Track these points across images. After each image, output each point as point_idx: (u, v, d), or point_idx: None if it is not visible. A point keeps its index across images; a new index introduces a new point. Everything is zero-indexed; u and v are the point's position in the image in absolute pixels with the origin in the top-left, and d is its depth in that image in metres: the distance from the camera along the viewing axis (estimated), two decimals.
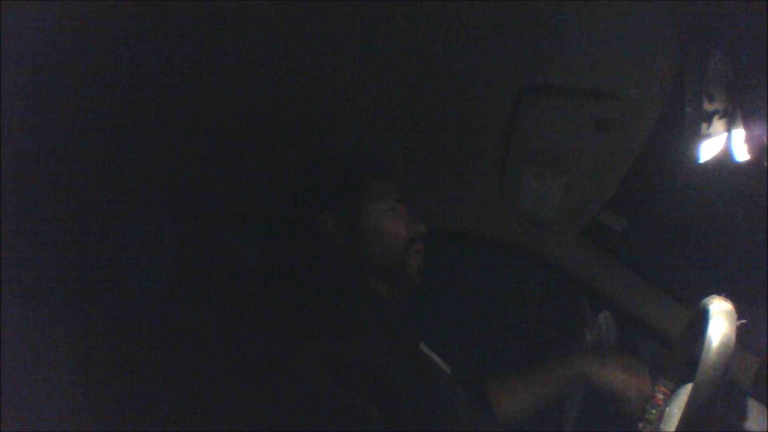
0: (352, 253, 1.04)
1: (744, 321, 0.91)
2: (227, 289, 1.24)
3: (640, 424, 1.05)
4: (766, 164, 0.77)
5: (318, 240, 1.05)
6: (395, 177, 1.14)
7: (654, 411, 1.05)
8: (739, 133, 0.77)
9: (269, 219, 1.19)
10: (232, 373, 0.90)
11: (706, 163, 0.83)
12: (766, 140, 0.75)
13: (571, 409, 1.42)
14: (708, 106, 0.78)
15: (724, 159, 0.81)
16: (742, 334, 0.90)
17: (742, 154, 0.78)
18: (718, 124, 0.79)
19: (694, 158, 0.84)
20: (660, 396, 1.06)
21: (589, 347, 1.75)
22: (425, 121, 1.10)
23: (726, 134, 0.79)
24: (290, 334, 0.87)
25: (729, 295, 0.96)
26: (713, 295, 0.97)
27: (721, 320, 0.89)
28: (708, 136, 0.80)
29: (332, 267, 1.03)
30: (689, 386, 0.88)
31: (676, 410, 0.95)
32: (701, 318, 0.94)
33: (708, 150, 0.82)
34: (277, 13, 0.80)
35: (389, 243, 1.05)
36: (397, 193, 1.11)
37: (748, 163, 0.79)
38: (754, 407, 1.11)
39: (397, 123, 1.12)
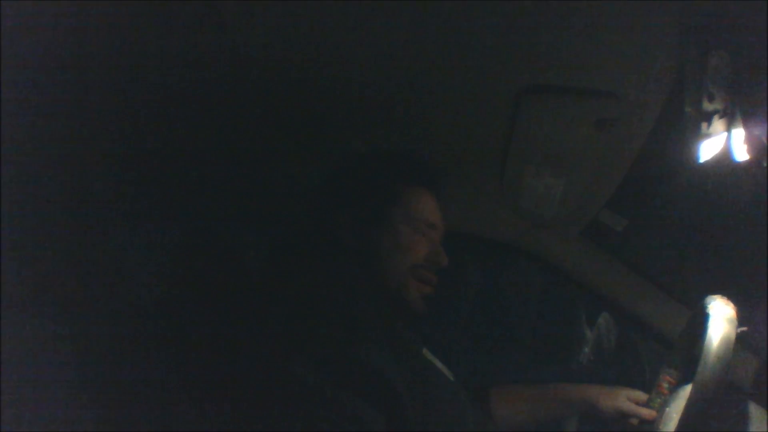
0: (362, 260, 0.98)
1: (745, 329, 0.91)
2: (228, 290, 1.24)
3: None
4: (766, 164, 0.77)
5: (331, 240, 1.00)
6: (439, 191, 1.05)
7: (659, 399, 1.05)
8: (739, 133, 0.77)
9: (288, 216, 1.14)
10: (233, 373, 0.90)
11: (706, 163, 0.83)
12: (766, 140, 0.75)
13: (569, 426, 1.42)
14: (708, 106, 0.78)
15: (724, 159, 0.81)
16: (742, 335, 0.90)
17: (741, 154, 0.78)
18: (718, 124, 0.78)
19: (694, 158, 0.84)
20: (665, 385, 1.05)
21: (589, 349, 1.75)
22: (425, 121, 1.10)
23: (726, 134, 0.79)
24: (292, 336, 0.87)
25: (729, 295, 0.96)
26: (713, 296, 0.97)
27: (721, 322, 0.89)
28: (708, 136, 0.80)
29: (339, 270, 0.97)
30: (689, 387, 0.88)
31: (674, 414, 0.95)
32: (701, 318, 0.94)
33: (708, 150, 0.82)
34: (278, 13, 0.80)
35: (388, 265, 0.97)
36: (434, 214, 1.02)
37: (748, 163, 0.79)
38: (753, 409, 1.11)
39: (397, 123, 1.12)
